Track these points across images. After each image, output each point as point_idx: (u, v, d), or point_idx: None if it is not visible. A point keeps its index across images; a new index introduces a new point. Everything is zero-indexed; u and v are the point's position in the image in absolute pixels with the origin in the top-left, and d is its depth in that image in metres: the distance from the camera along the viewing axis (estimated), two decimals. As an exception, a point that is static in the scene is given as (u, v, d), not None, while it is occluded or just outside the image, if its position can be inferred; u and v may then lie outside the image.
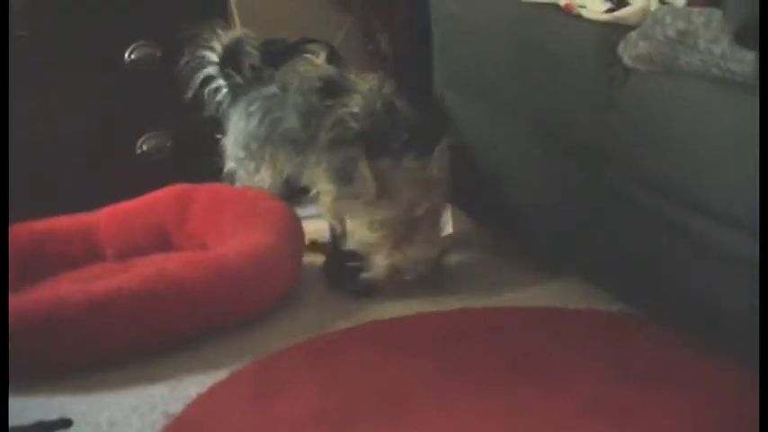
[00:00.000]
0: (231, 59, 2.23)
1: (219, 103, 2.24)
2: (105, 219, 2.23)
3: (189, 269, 1.94)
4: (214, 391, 1.72)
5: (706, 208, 1.59)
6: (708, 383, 1.60)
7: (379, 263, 2.04)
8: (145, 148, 2.42)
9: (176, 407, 1.68)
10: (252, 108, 2.18)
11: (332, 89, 2.10)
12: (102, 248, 2.21)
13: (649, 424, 1.51)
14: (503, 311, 1.92)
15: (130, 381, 1.79)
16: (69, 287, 1.93)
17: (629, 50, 1.68)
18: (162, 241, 2.20)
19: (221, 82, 2.24)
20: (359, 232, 2.06)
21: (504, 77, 2.01)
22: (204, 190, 2.23)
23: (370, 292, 2.04)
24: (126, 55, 2.36)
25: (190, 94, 2.23)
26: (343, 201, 2.07)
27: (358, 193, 2.03)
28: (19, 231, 2.17)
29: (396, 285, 2.03)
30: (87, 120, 2.39)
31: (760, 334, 1.29)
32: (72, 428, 1.65)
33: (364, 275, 2.04)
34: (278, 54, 2.29)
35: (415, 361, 1.74)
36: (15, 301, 1.87)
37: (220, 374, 1.77)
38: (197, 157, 2.34)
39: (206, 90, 2.24)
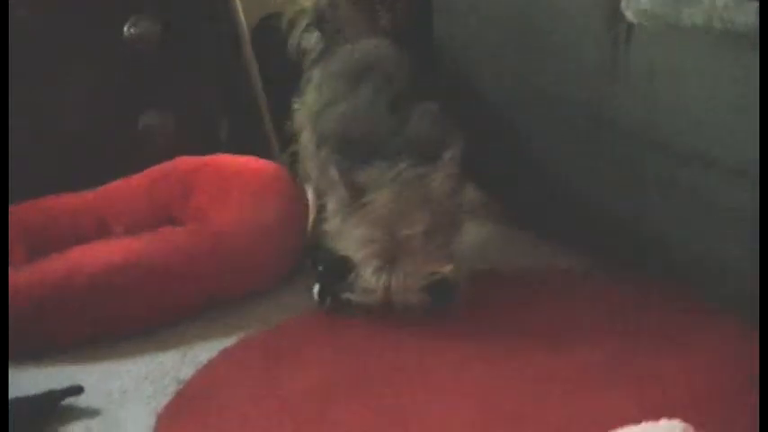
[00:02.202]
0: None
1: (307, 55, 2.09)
2: (111, 194, 2.23)
3: (196, 241, 1.95)
4: (224, 355, 1.72)
5: (710, 162, 1.60)
6: (715, 343, 1.60)
7: (369, 279, 1.74)
8: (147, 123, 2.42)
9: (187, 372, 1.69)
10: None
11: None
12: (110, 224, 2.21)
13: (662, 385, 1.51)
14: (506, 277, 1.92)
15: (141, 350, 1.80)
16: (77, 259, 1.94)
17: (633, 6, 1.67)
18: (168, 215, 2.20)
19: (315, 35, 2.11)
20: (344, 245, 1.78)
21: (505, 44, 2.01)
22: (209, 163, 2.22)
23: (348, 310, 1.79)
24: (125, 29, 2.35)
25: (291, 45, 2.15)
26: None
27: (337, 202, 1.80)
28: (25, 210, 2.17)
29: (384, 310, 1.75)
30: (88, 96, 2.39)
31: (760, 291, 1.30)
32: (84, 397, 1.66)
33: (347, 295, 1.78)
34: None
35: (425, 328, 1.74)
36: (25, 273, 1.89)
37: (230, 342, 1.78)
38: (200, 132, 2.34)
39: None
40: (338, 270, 1.77)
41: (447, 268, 1.74)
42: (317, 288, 1.84)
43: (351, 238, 1.75)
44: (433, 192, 1.75)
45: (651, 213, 1.74)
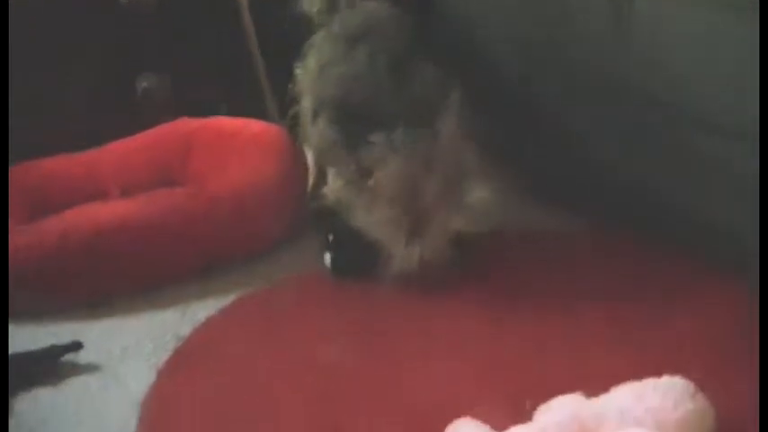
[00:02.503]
0: None
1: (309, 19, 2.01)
2: (108, 156, 2.22)
3: (194, 203, 1.95)
4: (223, 312, 1.73)
5: (712, 125, 1.60)
6: (719, 306, 1.60)
7: (401, 253, 1.74)
8: (144, 86, 2.41)
9: (187, 329, 1.69)
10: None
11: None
12: (107, 186, 2.20)
13: (664, 344, 1.51)
14: (510, 238, 1.92)
15: (140, 308, 1.80)
16: (74, 220, 1.93)
17: None
18: (166, 178, 2.19)
19: None
20: (363, 223, 1.76)
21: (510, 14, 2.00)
22: (207, 125, 2.22)
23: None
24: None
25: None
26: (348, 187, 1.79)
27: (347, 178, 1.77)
28: (22, 172, 2.17)
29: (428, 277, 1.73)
30: (86, 59, 2.38)
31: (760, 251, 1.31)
32: (84, 353, 1.66)
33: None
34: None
35: (427, 287, 1.74)
36: (23, 234, 1.89)
37: (229, 300, 1.78)
38: (198, 95, 2.33)
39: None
40: (354, 241, 1.76)
41: (466, 223, 1.75)
42: (328, 257, 1.83)
43: (370, 221, 1.74)
44: (437, 153, 1.74)
45: (655, 177, 1.74)
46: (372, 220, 1.74)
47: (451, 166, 1.75)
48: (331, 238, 1.85)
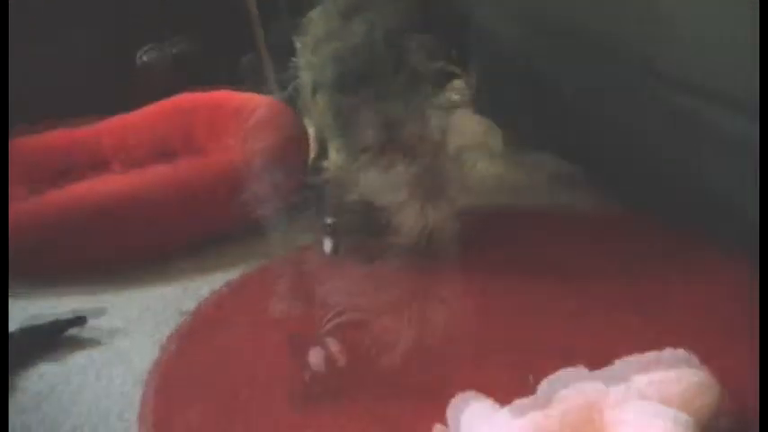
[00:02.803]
0: None
1: None
2: (108, 131, 2.23)
3: (195, 176, 1.95)
4: (226, 288, 1.73)
5: (712, 94, 1.59)
6: (724, 279, 1.60)
7: (411, 224, 1.71)
8: (145, 59, 2.40)
9: (189, 304, 1.69)
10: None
11: None
12: (107, 160, 2.20)
13: (667, 317, 1.52)
14: (515, 213, 1.93)
15: (142, 283, 1.80)
16: (76, 193, 1.93)
17: None
18: (167, 153, 2.19)
19: None
20: (369, 190, 1.73)
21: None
22: (208, 99, 2.22)
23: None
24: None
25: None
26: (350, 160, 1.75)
27: (365, 145, 1.72)
28: (21, 145, 2.17)
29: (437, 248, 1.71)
30: (87, 32, 2.37)
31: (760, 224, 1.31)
32: (87, 328, 1.66)
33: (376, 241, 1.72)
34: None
35: (431, 262, 1.73)
36: (23, 207, 1.89)
37: (231, 275, 1.78)
38: (200, 68, 2.33)
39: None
40: (353, 221, 1.75)
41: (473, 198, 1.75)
42: (328, 243, 1.81)
43: (383, 182, 1.69)
44: (454, 117, 1.74)
45: (662, 148, 1.73)
46: (388, 179, 1.68)
47: (462, 141, 1.75)
48: (329, 221, 1.82)
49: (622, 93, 1.76)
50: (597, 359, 1.35)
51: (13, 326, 1.66)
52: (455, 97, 1.79)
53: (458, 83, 1.85)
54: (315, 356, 1.43)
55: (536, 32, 1.94)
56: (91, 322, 1.67)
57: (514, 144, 2.14)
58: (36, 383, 1.55)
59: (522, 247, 1.79)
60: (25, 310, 1.75)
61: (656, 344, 1.33)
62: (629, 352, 1.32)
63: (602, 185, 1.91)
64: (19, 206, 1.89)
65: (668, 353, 1.30)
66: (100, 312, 1.71)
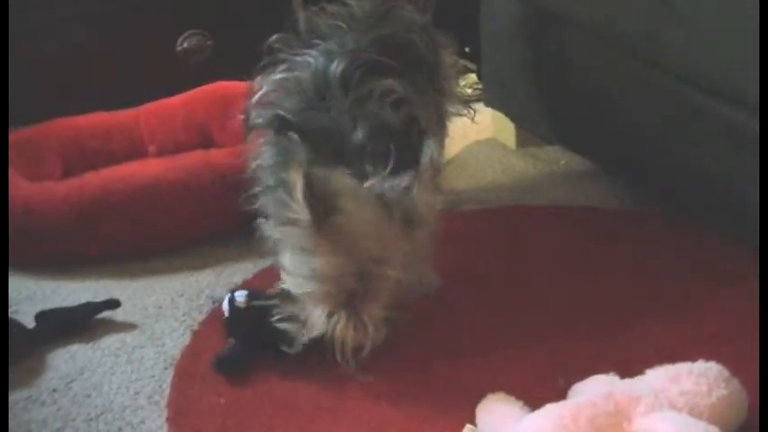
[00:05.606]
0: None
1: None
2: (146, 115, 2.24)
3: (231, 163, 1.95)
4: (259, 277, 1.73)
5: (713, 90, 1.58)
6: (752, 288, 1.59)
7: (316, 322, 1.41)
8: (185, 45, 2.41)
9: (222, 291, 1.69)
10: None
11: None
12: (144, 144, 2.21)
13: (702, 326, 1.52)
14: (539, 210, 1.93)
15: (176, 268, 1.82)
16: (114, 176, 1.95)
17: None
18: (204, 139, 2.20)
19: None
20: (292, 278, 1.43)
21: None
22: (245, 88, 2.21)
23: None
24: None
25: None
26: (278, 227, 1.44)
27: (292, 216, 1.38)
28: (60, 126, 2.18)
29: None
30: (128, 17, 2.38)
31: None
32: (120, 311, 1.68)
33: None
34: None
35: (459, 257, 1.74)
36: (61, 187, 1.90)
37: (264, 264, 1.78)
38: (239, 56, 2.33)
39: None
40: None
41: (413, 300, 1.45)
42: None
43: (302, 265, 1.40)
44: (415, 209, 1.37)
45: (675, 146, 1.73)
46: (309, 264, 1.39)
47: (425, 230, 1.41)
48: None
49: (634, 87, 1.75)
50: (626, 362, 1.36)
51: (43, 307, 1.68)
52: (468, 91, 1.73)
53: (471, 78, 1.82)
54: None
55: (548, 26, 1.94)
56: (123, 306, 1.68)
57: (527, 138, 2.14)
58: (67, 364, 1.56)
59: (544, 245, 1.80)
60: (56, 293, 1.76)
61: (686, 350, 1.34)
62: (659, 358, 1.33)
63: (618, 180, 1.92)
64: (55, 187, 1.90)
65: (700, 364, 1.30)
66: (133, 296, 1.72)
